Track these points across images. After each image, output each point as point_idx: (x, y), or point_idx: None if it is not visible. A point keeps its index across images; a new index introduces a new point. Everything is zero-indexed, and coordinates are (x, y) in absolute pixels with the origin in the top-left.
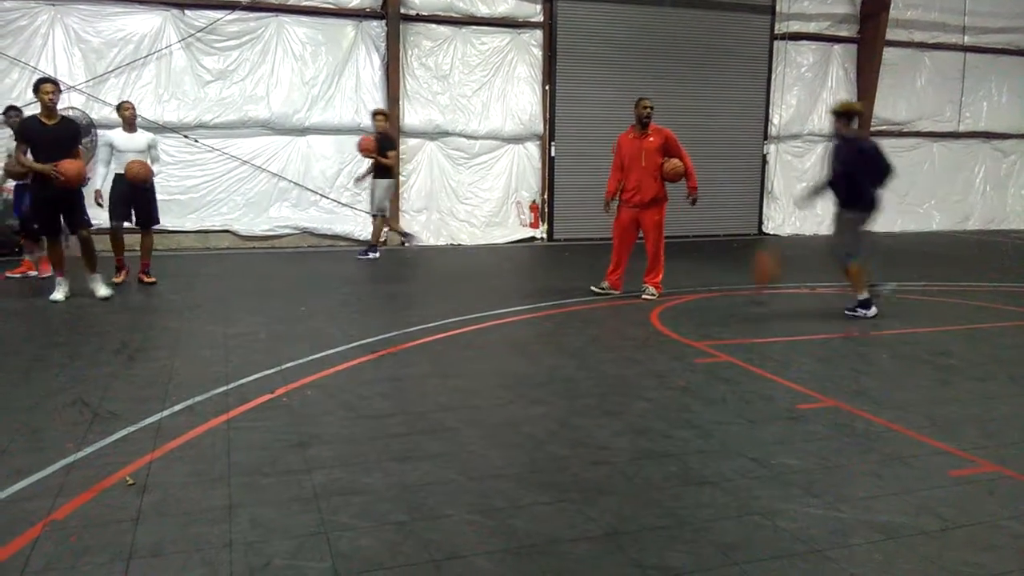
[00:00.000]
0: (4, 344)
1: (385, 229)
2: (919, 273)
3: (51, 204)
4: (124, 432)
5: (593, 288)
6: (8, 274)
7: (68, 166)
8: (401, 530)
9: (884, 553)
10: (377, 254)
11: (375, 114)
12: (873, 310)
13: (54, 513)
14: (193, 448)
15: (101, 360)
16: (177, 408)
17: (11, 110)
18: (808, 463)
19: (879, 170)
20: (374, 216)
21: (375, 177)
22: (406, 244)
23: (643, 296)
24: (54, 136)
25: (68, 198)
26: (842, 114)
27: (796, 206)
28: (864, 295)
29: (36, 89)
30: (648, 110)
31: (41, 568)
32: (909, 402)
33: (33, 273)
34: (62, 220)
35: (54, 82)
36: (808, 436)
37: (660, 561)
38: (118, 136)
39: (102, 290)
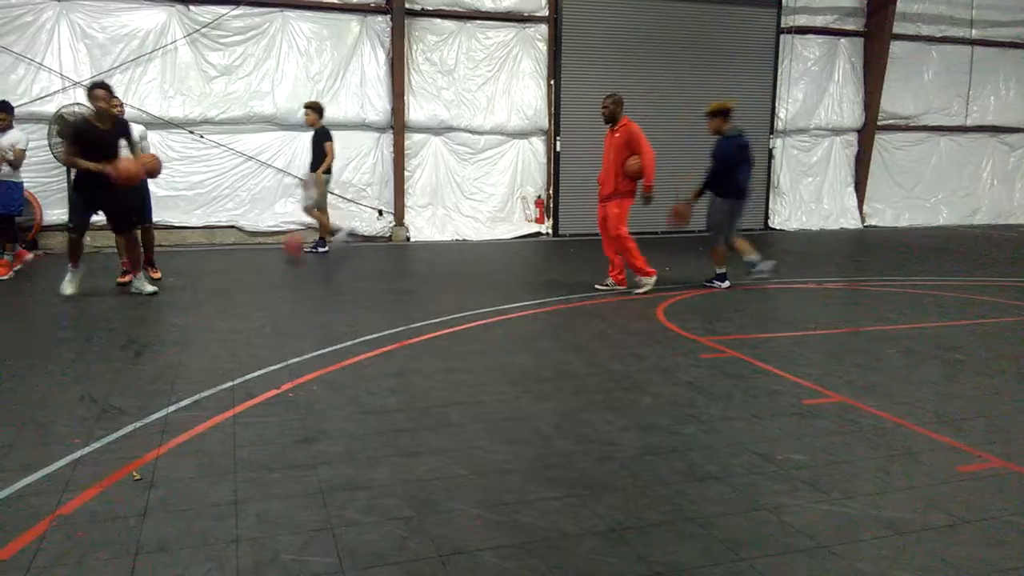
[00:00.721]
0: (11, 339)
1: (389, 224)
2: (926, 268)
3: (95, 203)
4: (131, 427)
5: (597, 286)
6: None
7: (125, 165)
8: (407, 525)
9: (891, 549)
10: (327, 249)
11: (305, 107)
12: (727, 283)
13: (61, 508)
14: (199, 444)
15: (108, 355)
16: (183, 403)
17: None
18: (815, 459)
19: (749, 163)
20: (308, 210)
21: (309, 171)
22: (348, 243)
23: (634, 291)
24: (106, 138)
25: (120, 197)
26: (717, 113)
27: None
28: (722, 269)
29: (89, 94)
30: (605, 109)
31: (48, 563)
32: (917, 397)
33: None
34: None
35: (107, 88)
36: (815, 431)
37: (666, 557)
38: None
39: (147, 287)
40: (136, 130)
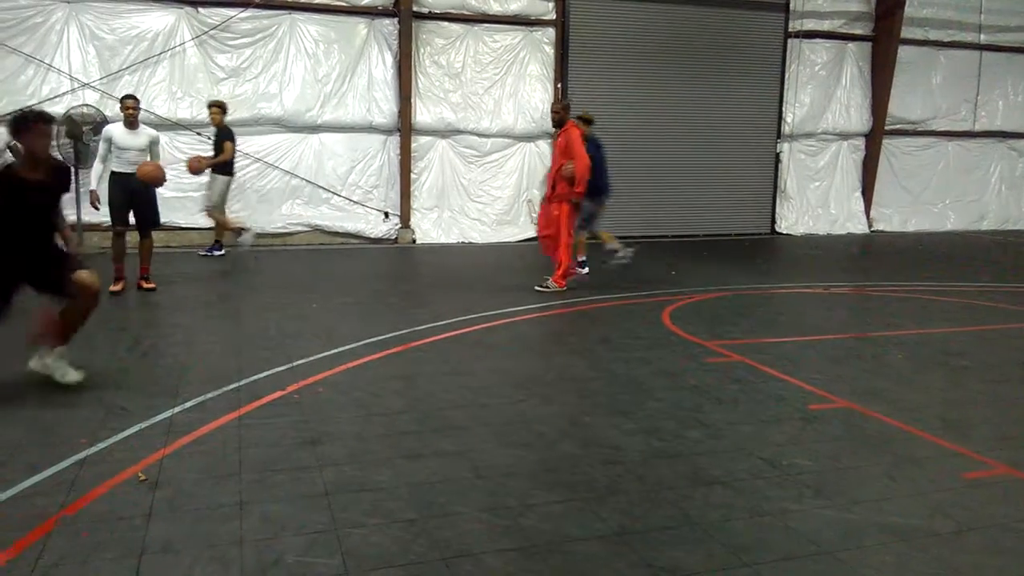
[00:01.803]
0: (19, 339)
1: (395, 227)
2: (933, 273)
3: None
4: (136, 428)
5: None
6: None
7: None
8: (411, 528)
9: (896, 555)
10: (222, 251)
11: (210, 106)
12: (586, 269)
13: (66, 508)
14: (205, 445)
15: (115, 356)
16: (189, 404)
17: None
18: (820, 464)
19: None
20: (208, 211)
21: (212, 172)
22: (243, 244)
23: (536, 286)
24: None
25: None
26: (583, 120)
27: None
28: (614, 245)
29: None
30: (555, 115)
31: (53, 563)
32: (922, 403)
33: None
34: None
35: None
36: (820, 437)
37: (670, 561)
38: (117, 132)
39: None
40: (148, 136)
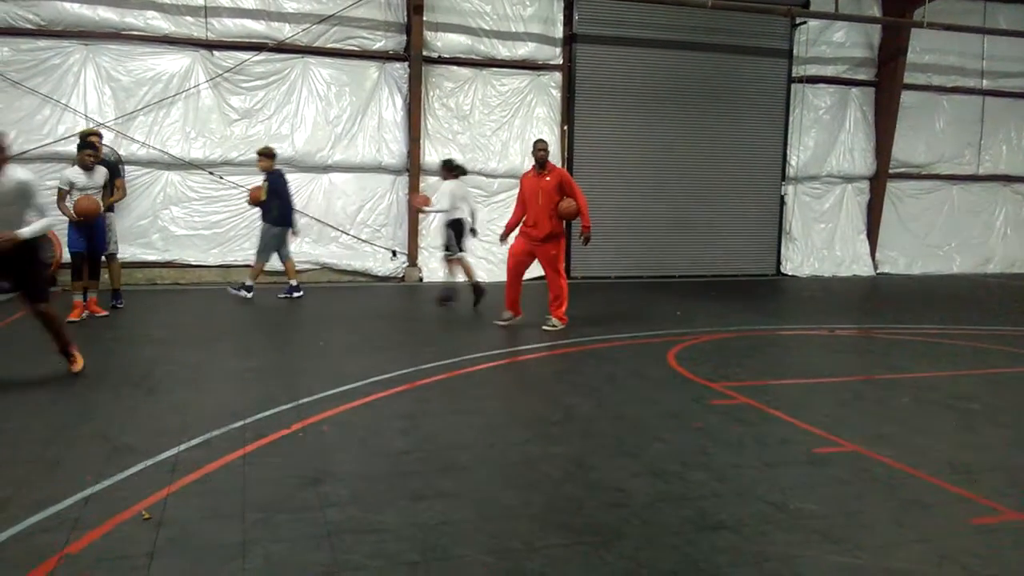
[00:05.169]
0: (25, 375)
1: (403, 265)
2: (940, 316)
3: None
4: (141, 466)
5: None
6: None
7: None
8: (414, 570)
9: None
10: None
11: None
12: (294, 294)
13: (69, 546)
14: (209, 483)
15: (120, 393)
16: (194, 442)
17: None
18: (827, 508)
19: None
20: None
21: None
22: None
23: (543, 327)
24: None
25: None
26: (267, 155)
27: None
28: (295, 282)
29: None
30: (542, 152)
31: None
32: (930, 447)
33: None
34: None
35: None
36: (827, 481)
37: None
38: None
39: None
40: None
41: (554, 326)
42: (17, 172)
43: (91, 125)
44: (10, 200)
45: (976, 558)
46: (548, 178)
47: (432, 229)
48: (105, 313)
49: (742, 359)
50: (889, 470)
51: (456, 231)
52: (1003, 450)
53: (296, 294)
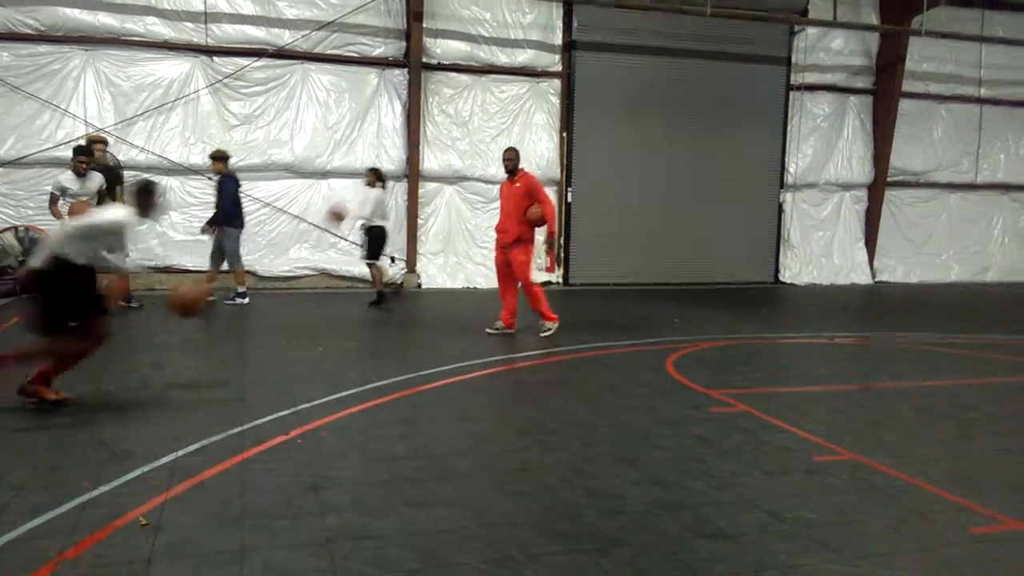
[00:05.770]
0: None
1: (401, 271)
2: (938, 324)
3: None
4: (139, 471)
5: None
6: None
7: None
8: None
9: None
10: (135, 303)
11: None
12: (247, 299)
13: (66, 552)
14: (207, 489)
15: (120, 398)
16: (192, 448)
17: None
18: (826, 517)
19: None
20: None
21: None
22: None
23: (540, 334)
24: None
25: None
26: (219, 158)
27: (202, 231)
28: (243, 288)
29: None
30: (509, 162)
31: None
32: (929, 456)
33: None
34: None
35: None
36: (826, 489)
37: None
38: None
39: None
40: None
41: (549, 329)
42: (118, 212)
43: (91, 131)
44: (101, 232)
45: (976, 567)
46: (518, 184)
47: (431, 235)
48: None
49: (741, 367)
50: (888, 479)
51: (375, 238)
52: (1003, 459)
53: (241, 300)
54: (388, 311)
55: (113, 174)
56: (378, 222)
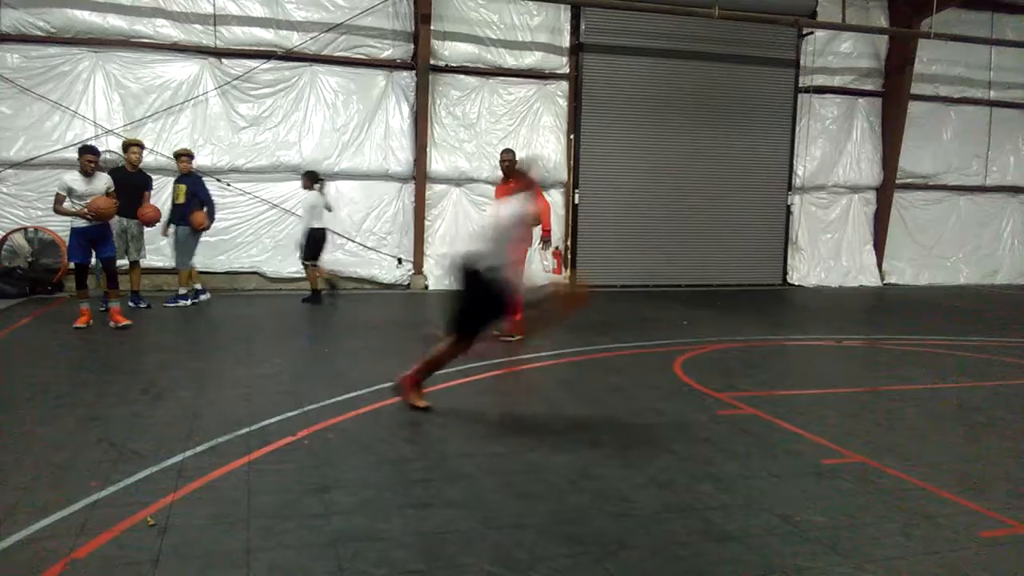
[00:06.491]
0: (33, 381)
1: (408, 273)
2: (946, 327)
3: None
4: (147, 472)
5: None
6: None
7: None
8: None
9: None
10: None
11: (127, 146)
12: (191, 300)
13: (75, 552)
14: (214, 490)
15: (127, 399)
16: (200, 449)
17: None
18: (834, 520)
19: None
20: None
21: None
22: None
23: (502, 338)
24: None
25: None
26: (183, 156)
27: (164, 235)
28: (184, 290)
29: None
30: (506, 163)
31: None
32: (938, 459)
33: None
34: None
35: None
36: (834, 492)
37: None
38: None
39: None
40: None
41: (512, 337)
42: None
43: (99, 132)
44: None
45: (984, 571)
46: (512, 186)
47: (438, 237)
48: (128, 322)
49: (749, 369)
50: (897, 482)
51: (311, 240)
52: (1011, 462)
53: (183, 302)
54: (333, 309)
55: (144, 178)
56: (316, 224)
